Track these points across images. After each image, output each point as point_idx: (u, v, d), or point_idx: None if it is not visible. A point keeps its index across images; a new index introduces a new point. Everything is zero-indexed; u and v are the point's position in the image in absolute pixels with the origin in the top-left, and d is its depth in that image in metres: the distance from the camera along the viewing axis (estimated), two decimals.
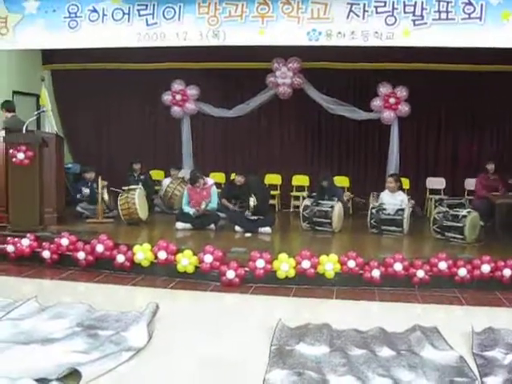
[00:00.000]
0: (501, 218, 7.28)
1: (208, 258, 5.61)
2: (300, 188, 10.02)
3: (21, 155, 6.63)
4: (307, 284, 5.52)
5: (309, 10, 6.52)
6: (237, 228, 7.41)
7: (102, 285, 5.54)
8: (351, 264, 5.53)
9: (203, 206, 7.55)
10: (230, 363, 3.55)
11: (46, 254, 6.12)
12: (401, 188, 7.92)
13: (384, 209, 7.48)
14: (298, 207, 9.00)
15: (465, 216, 6.78)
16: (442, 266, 5.51)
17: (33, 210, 6.78)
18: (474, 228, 6.86)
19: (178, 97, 9.98)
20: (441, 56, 8.17)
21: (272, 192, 9.44)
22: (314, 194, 8.04)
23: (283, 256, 5.57)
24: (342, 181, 9.58)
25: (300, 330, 4.08)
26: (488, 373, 3.41)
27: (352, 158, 10.33)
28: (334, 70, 9.65)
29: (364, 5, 6.39)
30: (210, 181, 7.92)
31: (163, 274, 5.80)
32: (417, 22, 6.31)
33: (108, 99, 10.66)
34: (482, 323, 4.14)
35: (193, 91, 10.00)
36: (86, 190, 8.35)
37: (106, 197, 8.08)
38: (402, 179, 8.39)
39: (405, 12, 6.33)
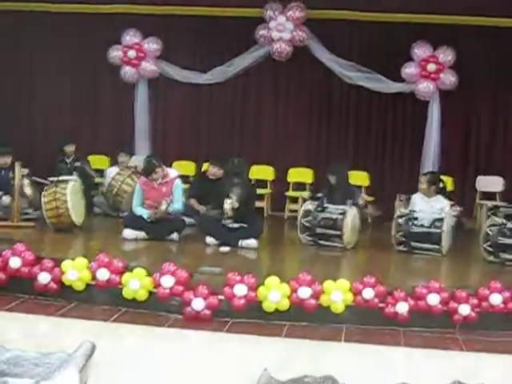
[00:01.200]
0: None
1: (167, 281, 5.59)
2: (299, 186, 10.05)
3: None
4: (305, 320, 5.53)
5: None
6: (209, 239, 7.41)
7: (17, 314, 5.50)
8: (368, 294, 5.54)
9: (163, 208, 7.53)
10: None
11: None
12: (442, 191, 7.91)
13: (416, 218, 7.50)
14: (295, 212, 9.03)
15: None
16: (495, 299, 5.53)
17: None
18: None
19: (132, 53, 9.95)
20: (503, 6, 8.24)
21: (260, 190, 9.44)
22: (320, 194, 8.05)
23: (273, 280, 5.57)
24: (358, 177, 9.60)
25: None
26: None
27: (374, 146, 10.37)
28: (352, 23, 9.72)
29: None
30: (173, 172, 7.92)
31: (104, 302, 5.78)
32: None
33: (30, 55, 10.59)
34: None
35: (152, 46, 9.99)
36: None
37: (28, 191, 8.00)
38: (444, 178, 8.41)
39: None
